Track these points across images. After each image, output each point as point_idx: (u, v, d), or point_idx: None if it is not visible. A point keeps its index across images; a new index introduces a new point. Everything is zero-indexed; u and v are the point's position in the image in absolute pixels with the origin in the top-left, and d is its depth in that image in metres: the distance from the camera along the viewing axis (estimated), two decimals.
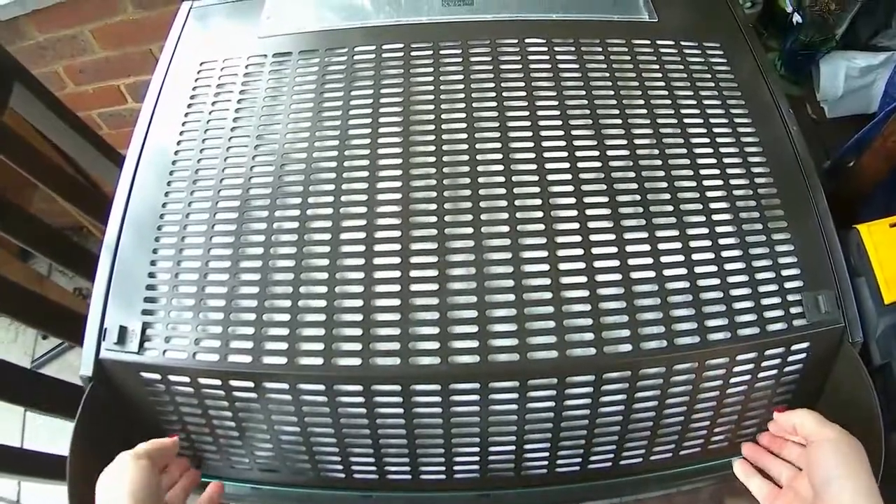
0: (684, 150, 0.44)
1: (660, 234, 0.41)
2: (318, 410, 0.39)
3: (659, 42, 0.49)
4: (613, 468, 0.43)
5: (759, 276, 0.40)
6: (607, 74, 0.47)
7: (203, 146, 0.45)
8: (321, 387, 0.38)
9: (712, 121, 0.46)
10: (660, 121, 0.45)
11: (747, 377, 0.40)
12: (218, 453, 0.43)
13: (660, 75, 0.47)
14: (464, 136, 0.44)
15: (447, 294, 0.39)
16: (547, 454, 0.42)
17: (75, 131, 0.64)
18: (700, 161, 0.44)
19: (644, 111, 0.46)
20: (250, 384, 0.38)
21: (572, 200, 0.42)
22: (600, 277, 0.39)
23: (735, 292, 0.40)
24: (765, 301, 0.40)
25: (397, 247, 0.40)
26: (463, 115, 0.45)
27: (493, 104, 0.45)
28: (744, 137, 0.45)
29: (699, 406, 0.41)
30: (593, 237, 0.41)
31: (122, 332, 0.40)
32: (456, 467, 0.42)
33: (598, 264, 0.40)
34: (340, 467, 0.43)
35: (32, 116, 0.60)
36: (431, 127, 0.44)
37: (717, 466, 0.44)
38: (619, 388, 0.39)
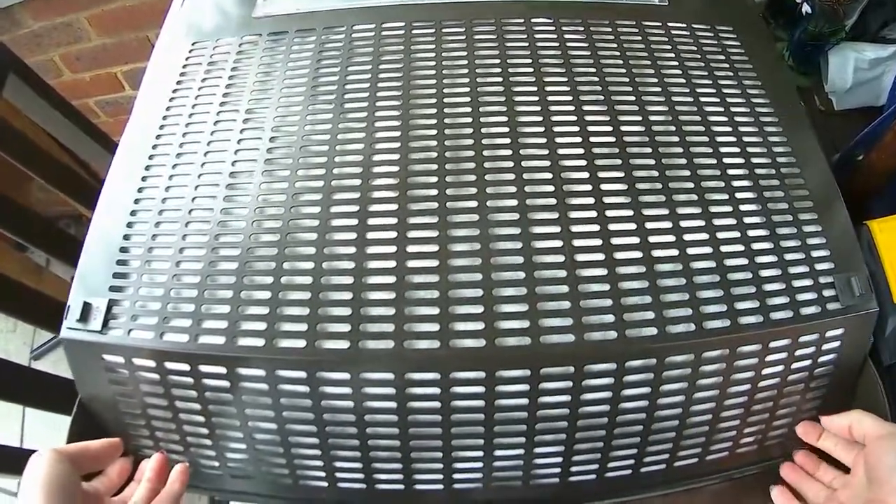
0: (702, 128, 0.40)
1: (681, 210, 0.36)
2: (298, 403, 0.33)
3: (670, 24, 0.46)
4: (634, 476, 0.38)
5: (789, 256, 0.36)
6: (618, 53, 0.43)
7: (189, 121, 0.41)
8: (302, 374, 0.32)
9: (729, 100, 0.42)
10: (675, 98, 0.41)
11: (780, 368, 0.35)
12: (186, 454, 0.37)
13: (672, 55, 0.44)
14: (468, 110, 0.40)
15: (448, 271, 0.34)
16: (560, 458, 0.36)
17: (70, 120, 0.60)
18: (720, 139, 0.40)
19: (658, 89, 0.42)
20: (222, 370, 0.33)
21: (585, 175, 0.37)
22: (619, 255, 0.34)
23: (765, 273, 0.35)
24: (796, 283, 0.35)
25: (393, 220, 0.35)
26: (467, 90, 0.41)
27: (499, 80, 0.41)
28: (763, 117, 0.42)
29: (729, 402, 0.35)
30: (609, 213, 0.36)
31: (86, 308, 0.34)
32: (456, 475, 0.36)
33: (616, 241, 0.35)
34: (322, 474, 0.36)
35: (27, 107, 0.56)
36: (433, 101, 0.40)
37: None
38: (644, 380, 0.33)
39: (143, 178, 0.39)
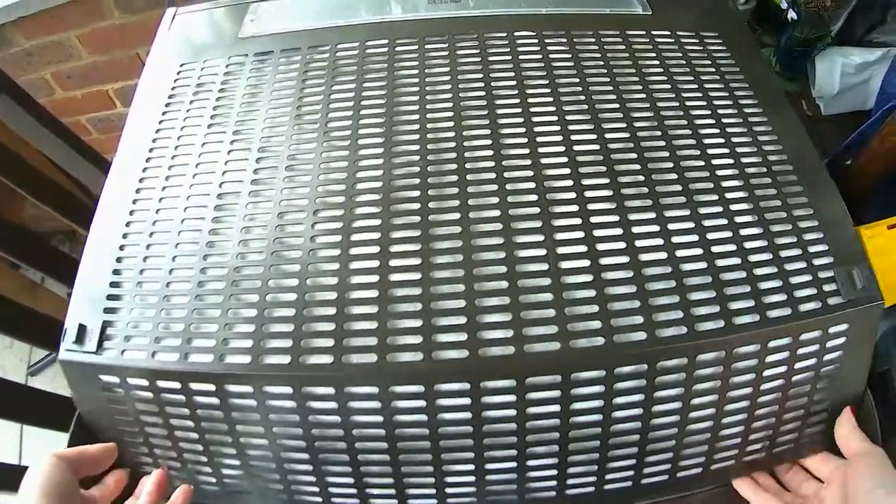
0: (688, 131, 0.39)
1: (669, 213, 0.35)
2: (286, 419, 0.33)
3: (654, 32, 0.45)
4: (634, 488, 0.36)
5: (785, 253, 0.34)
6: (601, 63, 0.43)
7: (178, 144, 0.42)
8: (288, 389, 0.32)
9: (716, 103, 0.41)
10: (660, 104, 0.40)
11: (783, 369, 0.33)
12: (183, 471, 0.37)
13: (657, 62, 0.43)
14: (450, 124, 0.39)
15: (431, 283, 0.33)
16: (555, 472, 0.35)
17: (61, 139, 0.62)
18: (707, 141, 0.39)
19: (643, 95, 0.41)
20: (211, 387, 0.33)
21: (569, 183, 0.37)
22: (605, 261, 0.33)
23: (759, 271, 0.33)
24: (794, 279, 0.33)
25: (376, 235, 0.35)
26: (450, 105, 0.41)
27: (482, 93, 0.41)
28: (751, 118, 0.40)
29: (730, 407, 0.33)
30: (594, 219, 0.35)
31: (81, 330, 0.35)
32: (449, 489, 0.35)
33: (601, 247, 0.34)
34: (316, 489, 0.36)
35: (18, 125, 0.58)
36: (416, 117, 0.40)
37: None
38: (635, 387, 0.32)
39: (134, 202, 0.39)
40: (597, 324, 0.32)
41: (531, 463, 0.34)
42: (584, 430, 0.33)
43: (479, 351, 0.31)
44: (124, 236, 0.38)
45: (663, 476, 0.35)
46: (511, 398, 0.32)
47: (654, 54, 0.44)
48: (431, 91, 0.42)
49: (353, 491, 0.35)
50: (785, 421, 0.35)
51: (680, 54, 0.44)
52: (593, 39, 0.45)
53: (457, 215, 0.36)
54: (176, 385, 0.33)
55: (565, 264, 0.33)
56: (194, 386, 0.33)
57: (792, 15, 0.57)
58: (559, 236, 0.34)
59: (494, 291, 0.33)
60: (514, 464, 0.34)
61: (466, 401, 0.32)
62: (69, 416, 0.37)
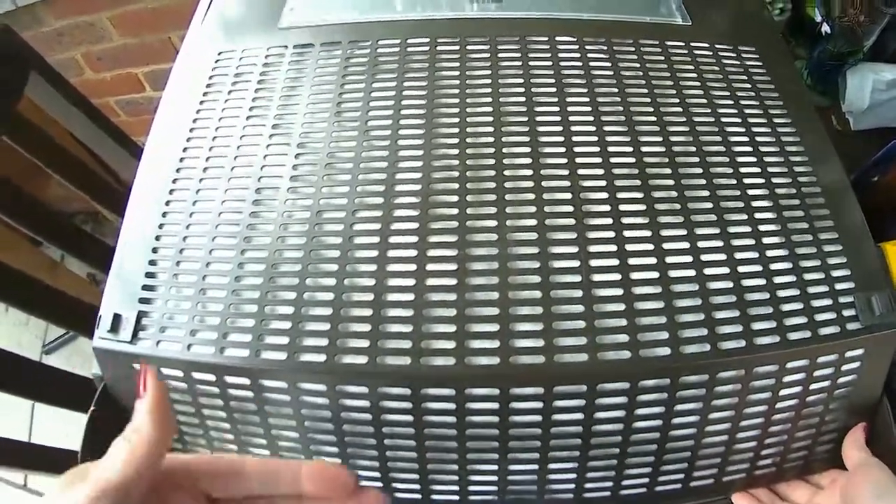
0: (722, 148, 0.39)
1: (699, 231, 0.36)
2: (318, 414, 0.34)
3: (693, 44, 0.45)
4: (649, 495, 0.37)
5: (808, 276, 0.35)
6: (641, 73, 0.42)
7: (216, 135, 0.42)
8: (322, 387, 0.33)
9: (750, 120, 0.41)
10: (696, 119, 0.40)
11: (798, 389, 0.34)
12: None
13: (695, 75, 0.43)
14: (490, 129, 0.40)
15: (466, 289, 0.34)
16: (574, 475, 0.36)
17: (91, 120, 0.61)
18: (739, 159, 0.39)
19: (679, 109, 0.41)
20: (246, 381, 0.33)
21: (604, 195, 0.37)
22: (635, 275, 0.34)
23: (783, 293, 0.34)
24: (815, 303, 0.34)
25: (414, 238, 0.35)
26: (490, 109, 0.40)
27: (522, 99, 0.41)
28: (784, 137, 0.41)
29: (745, 423, 0.34)
30: (627, 233, 0.35)
31: (116, 320, 0.35)
32: (471, 486, 0.36)
33: (632, 261, 0.34)
34: None
35: (48, 105, 0.57)
36: (456, 120, 0.40)
37: None
38: (657, 399, 0.33)
39: (171, 192, 0.39)
40: (624, 337, 0.32)
41: (552, 466, 0.35)
42: (605, 438, 0.34)
43: (510, 359, 0.32)
44: (160, 226, 0.38)
45: (676, 485, 0.37)
46: (538, 405, 0.32)
47: (691, 66, 0.43)
48: (472, 94, 0.41)
49: (380, 485, 0.36)
50: (797, 438, 0.36)
51: (717, 68, 0.43)
52: (633, 49, 0.44)
53: (494, 222, 0.36)
54: (210, 377, 0.34)
55: (597, 277, 0.34)
56: (229, 379, 0.34)
57: (826, 28, 0.57)
58: (592, 248, 0.35)
59: (528, 301, 0.33)
60: (535, 466, 0.35)
61: (494, 405, 0.32)
62: (84, 396, 0.37)
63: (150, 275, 0.36)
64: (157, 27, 0.82)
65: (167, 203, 0.39)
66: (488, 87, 0.42)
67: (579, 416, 0.33)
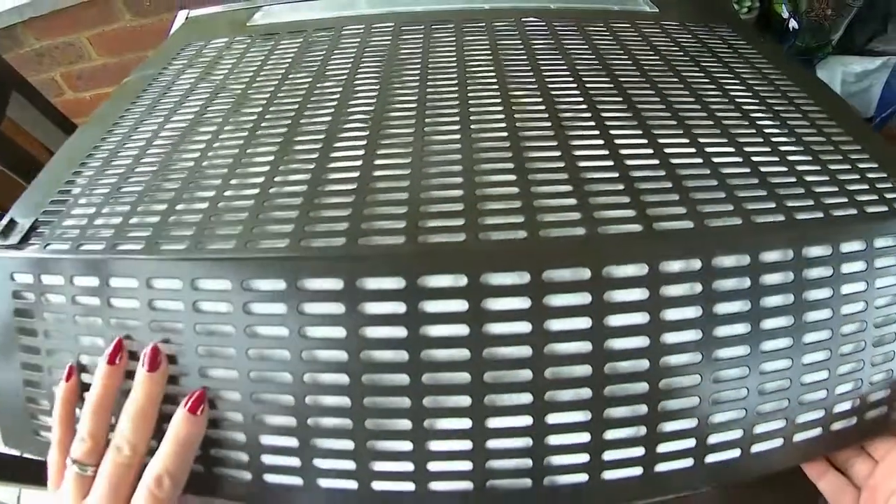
0: (717, 90, 0.34)
1: (702, 140, 0.30)
2: (221, 319, 0.23)
3: (665, 23, 0.43)
4: (696, 470, 0.24)
5: (834, 167, 0.28)
6: (616, 44, 0.39)
7: (166, 90, 0.38)
8: (226, 283, 0.23)
9: (738, 70, 0.36)
10: (684, 73, 0.35)
11: (862, 286, 0.24)
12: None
13: (671, 42, 0.40)
14: (454, 74, 0.35)
15: (422, 176, 0.26)
16: (587, 435, 0.23)
17: None
18: (739, 99, 0.33)
19: (661, 62, 0.36)
20: (132, 282, 0.24)
21: (585, 106, 0.32)
22: (631, 162, 0.27)
23: (811, 178, 0.27)
24: (851, 187, 0.26)
25: (361, 143, 0.29)
26: (454, 63, 0.38)
27: (489, 60, 0.37)
28: (778, 81, 0.35)
29: (810, 337, 0.24)
30: (614, 132, 0.30)
31: (10, 225, 0.27)
32: (433, 464, 0.23)
33: (624, 151, 0.28)
34: (246, 457, 0.24)
35: (29, 125, 0.55)
36: (417, 72, 0.37)
37: None
38: (692, 295, 0.23)
39: (109, 131, 0.34)
40: (630, 212, 0.24)
41: (552, 420, 0.23)
42: (626, 364, 0.23)
43: (479, 235, 0.23)
44: (88, 156, 0.32)
45: (733, 450, 0.24)
46: (523, 303, 0.22)
47: (665, 37, 0.41)
48: (436, 56, 0.39)
49: (296, 462, 0.23)
50: (876, 364, 0.25)
51: (694, 39, 0.41)
52: (604, 27, 0.42)
53: (457, 127, 0.30)
54: (94, 283, 0.24)
55: (585, 164, 0.27)
56: (116, 282, 0.24)
57: (793, 24, 0.57)
58: (575, 143, 0.28)
59: (500, 183, 0.26)
60: (527, 419, 0.23)
61: (462, 305, 0.22)
62: None
63: (62, 192, 0.29)
64: (135, 46, 0.82)
65: (103, 139, 0.33)
66: (453, 49, 0.40)
67: (584, 321, 0.22)
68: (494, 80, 0.34)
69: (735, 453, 0.24)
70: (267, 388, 0.23)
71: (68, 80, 0.91)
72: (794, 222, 0.24)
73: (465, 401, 0.23)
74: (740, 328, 0.23)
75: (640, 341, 0.23)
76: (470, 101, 0.32)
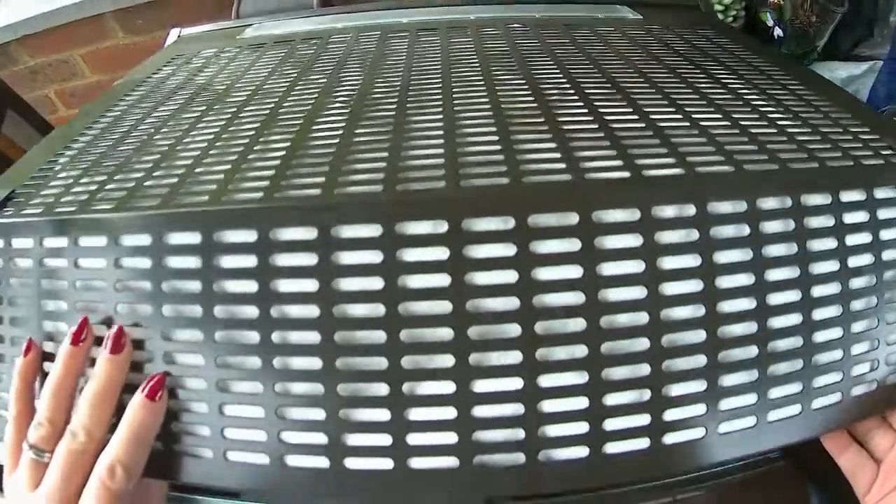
0: (705, 76, 0.33)
1: (684, 104, 0.30)
2: (187, 287, 0.21)
3: (649, 27, 0.44)
4: (710, 440, 0.21)
5: (826, 129, 0.27)
6: (599, 41, 0.40)
7: (153, 91, 0.38)
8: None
9: (723, 59, 0.36)
10: (665, 59, 0.36)
11: (868, 236, 0.23)
12: None
13: (656, 40, 0.40)
14: (438, 66, 0.36)
15: (402, 132, 0.26)
16: (585, 401, 0.21)
17: None
18: (726, 80, 0.32)
19: (646, 55, 0.37)
20: (101, 240, 0.22)
21: (568, 85, 0.32)
22: (616, 125, 0.27)
23: (803, 138, 0.26)
24: (845, 144, 0.25)
25: (342, 117, 0.29)
26: (439, 64, 0.38)
27: (474, 54, 0.39)
28: (766, 69, 0.35)
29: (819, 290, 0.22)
30: (599, 104, 0.29)
31: None
32: (413, 436, 0.21)
33: (609, 118, 0.27)
34: (207, 431, 0.21)
35: (24, 142, 0.55)
36: (400, 70, 0.37)
37: None
38: (688, 242, 0.21)
39: (93, 122, 0.34)
40: (618, 163, 0.23)
41: (545, 382, 0.21)
42: (625, 317, 0.21)
43: (460, 182, 0.22)
44: (72, 142, 0.31)
45: (748, 418, 0.21)
46: (507, 250, 0.20)
47: (652, 38, 0.41)
48: (420, 47, 0.40)
49: (260, 437, 0.21)
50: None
51: (681, 39, 0.41)
52: (589, 31, 0.43)
53: (439, 102, 0.30)
54: (62, 243, 0.23)
55: (571, 125, 0.26)
56: (84, 241, 0.22)
57: (778, 32, 0.58)
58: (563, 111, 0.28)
59: (481, 132, 0.25)
60: (518, 381, 0.21)
61: (441, 253, 0.21)
62: None
63: (42, 170, 0.28)
64: (129, 64, 0.79)
65: (87, 129, 0.33)
66: (438, 47, 0.40)
67: (575, 270, 0.21)
68: (478, 65, 0.34)
69: (751, 421, 0.22)
70: (233, 351, 0.21)
71: (62, 98, 0.91)
72: (788, 171, 0.23)
73: (447, 360, 0.20)
74: (743, 279, 0.21)
75: (637, 292, 0.21)
76: (454, 84, 0.32)
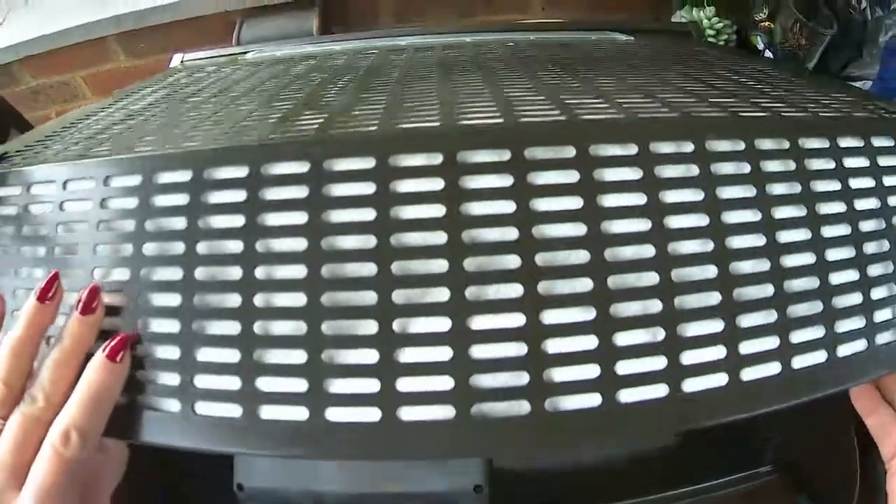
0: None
1: (676, 81, 0.30)
2: (171, 225, 0.20)
3: (644, 43, 0.46)
4: (733, 386, 0.19)
5: (817, 96, 0.28)
6: (602, 52, 0.42)
7: (148, 95, 0.39)
8: (188, 172, 0.20)
9: (713, 62, 0.37)
10: (659, 61, 0.38)
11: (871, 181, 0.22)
12: None
13: (657, 53, 0.42)
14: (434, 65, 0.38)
15: (399, 101, 0.26)
16: (594, 340, 0.19)
17: None
18: (718, 70, 0.33)
19: (641, 59, 0.39)
20: (89, 183, 0.21)
21: (561, 70, 0.33)
22: (607, 88, 0.27)
23: (794, 97, 0.26)
24: (837, 104, 0.25)
25: (344, 88, 0.29)
26: (434, 64, 0.39)
27: (470, 59, 0.40)
28: (760, 68, 0.35)
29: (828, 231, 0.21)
30: (591, 74, 0.30)
31: None
32: (403, 381, 0.18)
33: (605, 87, 0.28)
34: (177, 379, 0.19)
35: None
36: (399, 63, 0.38)
37: None
38: (693, 176, 0.21)
39: (89, 114, 0.34)
40: (612, 109, 0.23)
41: (549, 318, 0.19)
42: (627, 250, 0.20)
43: (457, 124, 0.22)
44: (69, 125, 0.31)
45: (772, 363, 0.19)
46: (504, 181, 0.20)
47: (649, 50, 0.43)
48: (417, 57, 0.41)
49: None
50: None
51: (681, 52, 0.43)
52: (581, 45, 0.45)
53: (435, 83, 0.31)
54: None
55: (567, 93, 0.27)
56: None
57: (768, 55, 0.59)
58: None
59: (476, 100, 0.25)
60: (519, 317, 0.19)
61: (436, 183, 0.20)
62: None
63: (37, 141, 0.28)
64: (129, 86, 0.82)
65: (84, 117, 0.33)
66: (434, 59, 0.42)
67: (575, 201, 0.20)
68: (473, 61, 0.36)
69: (775, 367, 0.20)
70: (213, 288, 0.20)
71: None
72: (783, 118, 0.23)
73: (442, 294, 0.19)
74: (749, 215, 0.21)
75: (641, 224, 0.20)
76: (450, 72, 0.33)
